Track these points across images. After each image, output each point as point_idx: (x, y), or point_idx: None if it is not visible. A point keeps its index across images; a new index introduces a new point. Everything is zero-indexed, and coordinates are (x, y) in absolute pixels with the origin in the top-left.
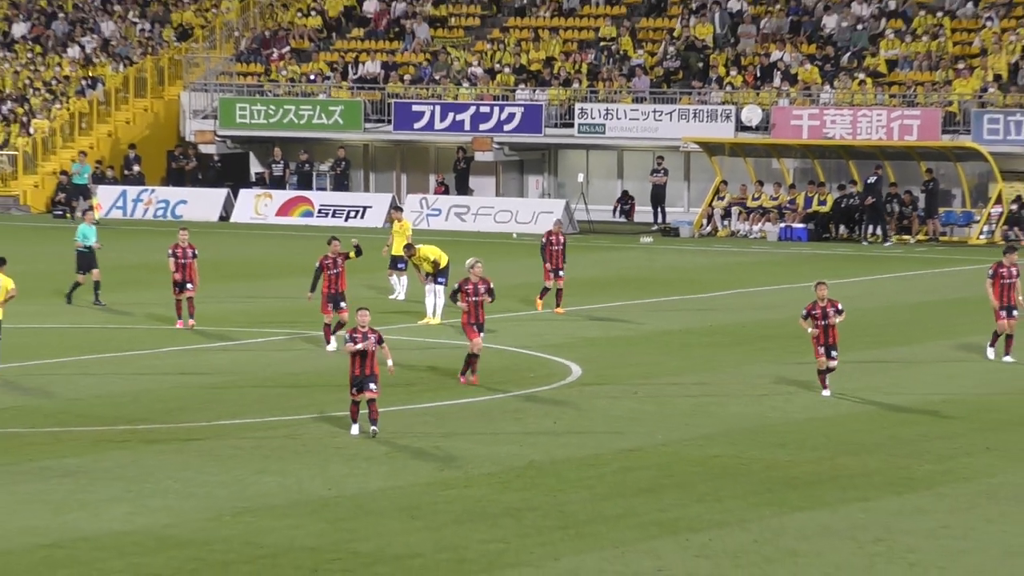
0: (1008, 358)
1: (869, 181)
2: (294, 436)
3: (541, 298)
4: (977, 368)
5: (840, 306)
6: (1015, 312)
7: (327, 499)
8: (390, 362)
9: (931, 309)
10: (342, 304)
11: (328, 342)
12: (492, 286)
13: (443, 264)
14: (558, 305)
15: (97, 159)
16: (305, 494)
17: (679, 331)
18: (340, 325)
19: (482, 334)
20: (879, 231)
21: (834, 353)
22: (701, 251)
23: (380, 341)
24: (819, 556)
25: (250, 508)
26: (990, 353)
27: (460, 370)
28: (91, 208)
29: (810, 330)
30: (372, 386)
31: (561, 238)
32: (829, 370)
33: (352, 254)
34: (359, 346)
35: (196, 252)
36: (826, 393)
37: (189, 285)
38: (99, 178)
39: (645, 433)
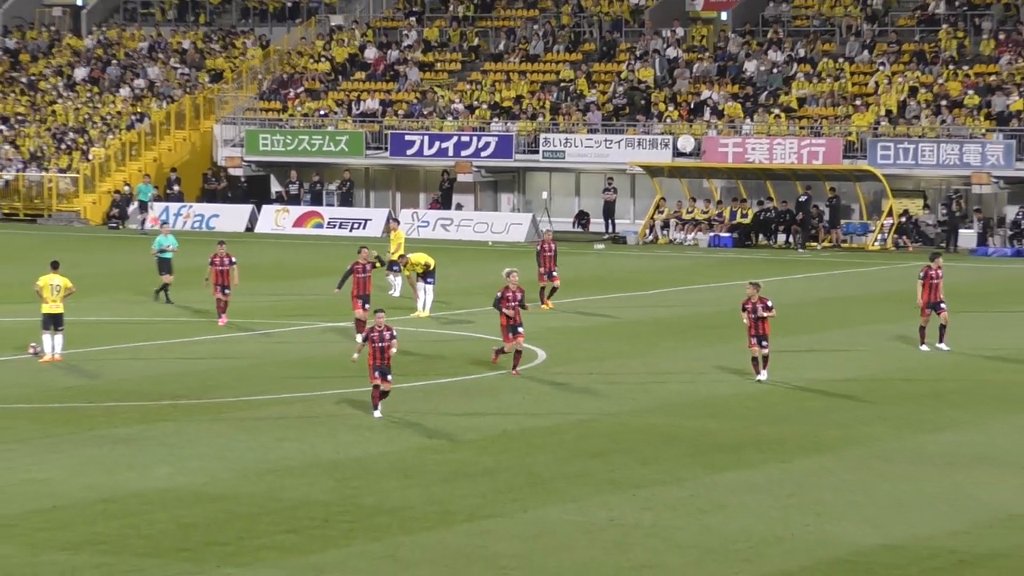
0: (942, 345)
1: (801, 199)
2: (309, 409)
3: (542, 300)
4: (872, 352)
5: (770, 303)
6: (943, 305)
7: (336, 461)
8: (394, 350)
9: (834, 304)
10: (366, 305)
11: (359, 332)
12: (524, 294)
13: (431, 267)
14: (549, 298)
15: (147, 176)
16: (318, 457)
17: (627, 322)
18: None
19: (522, 331)
20: (794, 239)
21: (764, 343)
22: (645, 256)
23: (393, 336)
24: (743, 507)
25: (272, 469)
26: (924, 348)
27: (494, 356)
28: (165, 222)
29: (745, 321)
30: (389, 377)
31: (552, 245)
32: (764, 358)
33: (376, 264)
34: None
35: (233, 260)
36: (761, 377)
37: (227, 289)
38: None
39: (598, 407)
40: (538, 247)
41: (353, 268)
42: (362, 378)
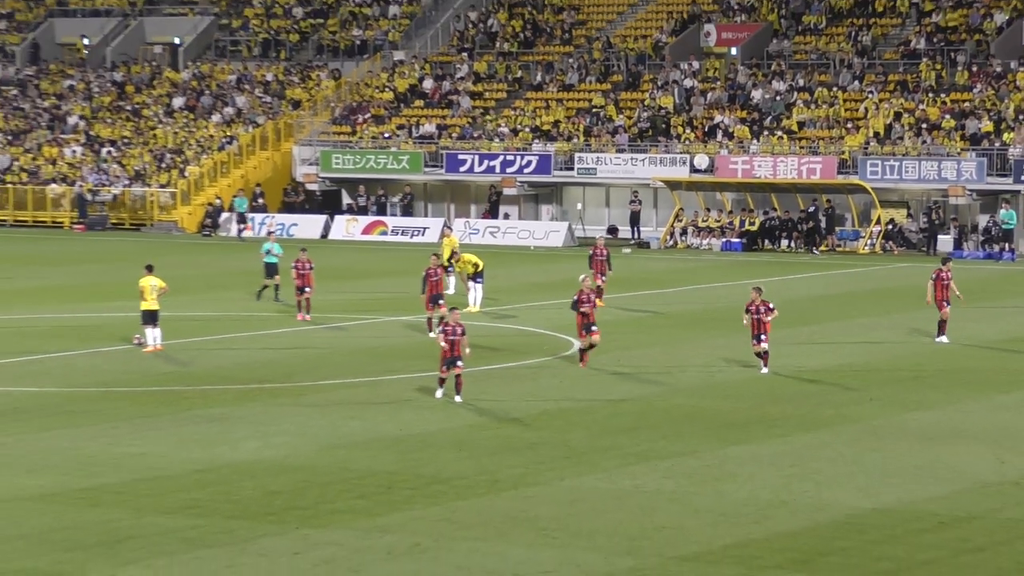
0: (943, 339)
1: (810, 210)
2: (375, 392)
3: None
4: (862, 342)
5: (771, 305)
6: (947, 305)
7: (398, 437)
8: (467, 350)
9: (829, 300)
10: (440, 302)
11: (431, 330)
12: (598, 293)
13: (480, 268)
14: (599, 299)
15: (234, 193)
16: (382, 433)
17: (651, 315)
18: (441, 318)
19: (596, 329)
20: (805, 243)
21: (763, 338)
22: (666, 259)
23: (463, 332)
24: (751, 476)
25: (342, 444)
26: (943, 340)
27: (579, 358)
28: (272, 231)
29: (744, 322)
30: (459, 363)
31: (605, 250)
32: (765, 353)
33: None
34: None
35: (312, 265)
36: (764, 371)
37: (307, 289)
38: (232, 207)
39: (626, 390)
40: (591, 252)
41: (427, 273)
42: (418, 365)
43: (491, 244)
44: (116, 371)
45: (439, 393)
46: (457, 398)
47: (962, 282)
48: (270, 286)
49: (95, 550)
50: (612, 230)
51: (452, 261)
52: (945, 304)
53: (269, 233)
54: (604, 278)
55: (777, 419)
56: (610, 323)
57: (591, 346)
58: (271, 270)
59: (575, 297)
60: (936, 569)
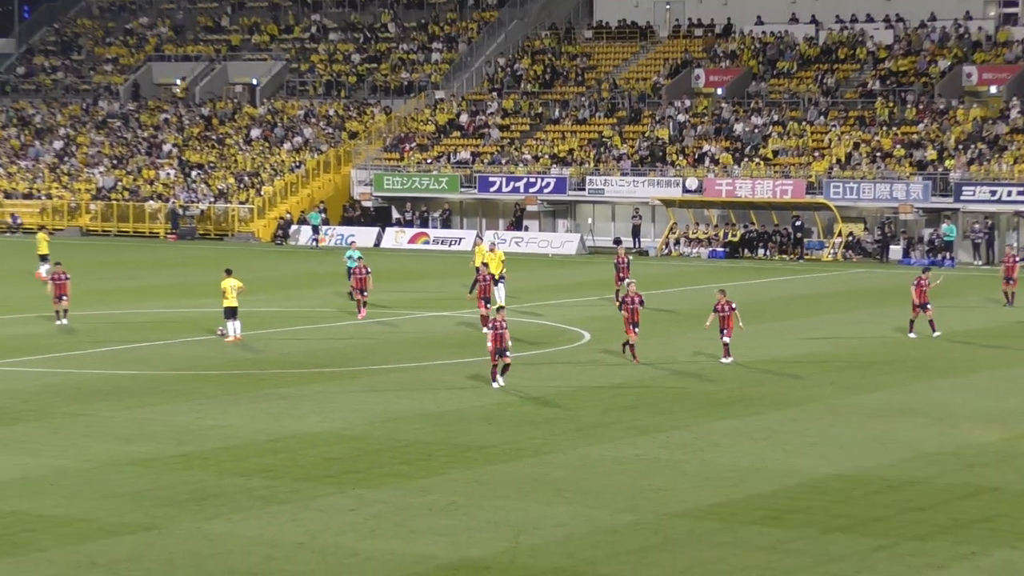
0: (937, 333)
1: (796, 224)
2: (418, 375)
3: (618, 300)
4: (825, 335)
5: (734, 304)
6: (929, 306)
7: (437, 412)
8: (509, 343)
9: (798, 300)
10: (489, 303)
11: (485, 327)
12: (643, 297)
13: (503, 272)
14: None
15: (302, 209)
16: (423, 410)
17: (649, 311)
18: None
19: (637, 329)
20: (787, 252)
21: (725, 332)
22: (662, 264)
23: (506, 327)
24: (731, 447)
25: (390, 418)
26: (912, 335)
27: (632, 355)
28: (353, 242)
29: (708, 322)
30: (508, 354)
31: (627, 258)
32: (726, 344)
33: (497, 276)
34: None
35: (369, 270)
36: (726, 360)
37: (365, 292)
38: (303, 220)
39: (628, 374)
40: (615, 259)
41: (478, 277)
42: (454, 353)
43: (515, 252)
44: (202, 357)
45: (495, 384)
46: (501, 381)
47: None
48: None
49: (184, 506)
50: (617, 241)
51: (488, 249)
52: (928, 308)
53: (351, 243)
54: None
55: (754, 399)
56: (615, 318)
57: (631, 344)
58: (350, 274)
59: (621, 299)
60: (885, 525)
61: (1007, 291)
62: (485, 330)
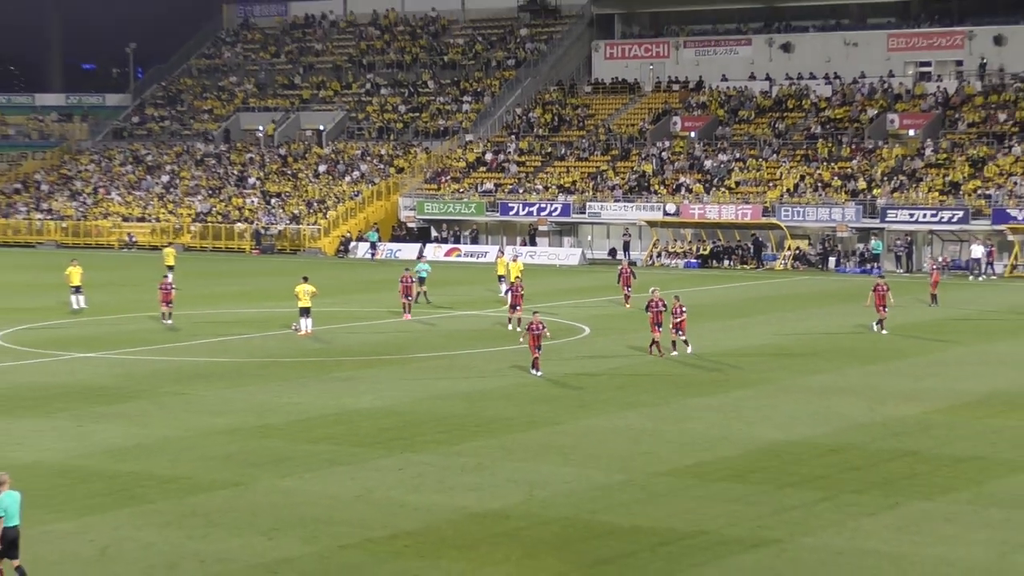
0: (884, 331)
1: (758, 240)
2: (451, 362)
3: (628, 301)
4: (777, 330)
5: (684, 308)
6: (885, 308)
7: (468, 392)
8: (547, 334)
9: (755, 302)
10: (517, 308)
11: (509, 324)
12: (666, 303)
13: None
14: (627, 302)
15: (360, 229)
16: (457, 389)
17: (637, 310)
18: (519, 319)
19: (660, 328)
20: (750, 262)
21: (682, 332)
22: (647, 273)
23: (544, 327)
24: (703, 419)
25: (430, 396)
26: (875, 328)
27: (658, 351)
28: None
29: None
30: (539, 349)
31: (629, 268)
32: (655, 342)
33: (522, 289)
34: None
35: (413, 279)
36: (689, 350)
37: (410, 297)
38: (361, 238)
39: (621, 361)
40: (619, 270)
41: (512, 287)
42: (481, 344)
43: (529, 263)
44: (279, 348)
45: (539, 373)
46: (534, 371)
47: (842, 289)
48: (423, 291)
49: (264, 467)
50: (612, 252)
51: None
52: (882, 308)
53: (421, 256)
54: (629, 289)
55: (721, 381)
56: (609, 316)
57: (656, 342)
58: (422, 282)
59: (647, 303)
60: (827, 481)
61: (933, 294)
62: (510, 327)
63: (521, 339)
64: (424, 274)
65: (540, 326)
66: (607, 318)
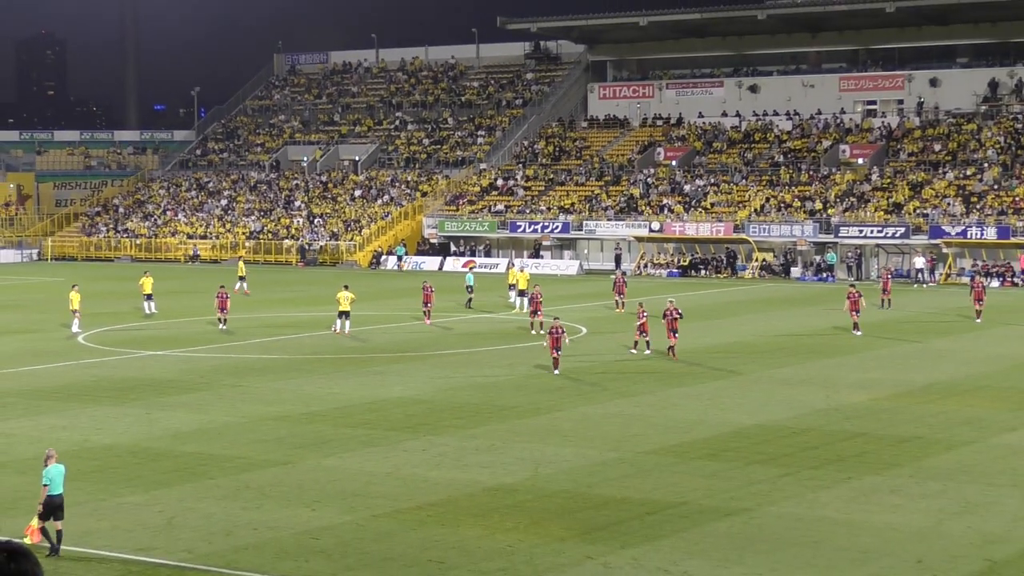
0: (858, 332)
1: (732, 253)
2: (469, 358)
3: (617, 306)
4: (746, 330)
5: (680, 311)
6: (858, 312)
7: (482, 383)
8: (567, 340)
9: (727, 306)
10: (538, 313)
11: (532, 329)
12: (681, 312)
13: (525, 286)
14: (620, 307)
15: (389, 244)
16: (473, 381)
17: (628, 314)
18: (541, 324)
19: (676, 335)
20: (726, 272)
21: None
22: (636, 282)
23: (563, 331)
24: (684, 406)
25: (450, 387)
26: (858, 333)
27: (672, 355)
28: (512, 263)
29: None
30: (559, 352)
31: (624, 277)
32: (636, 345)
33: (541, 297)
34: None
35: (433, 288)
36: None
37: (429, 304)
38: (390, 252)
39: (612, 356)
40: (613, 279)
41: (533, 296)
42: (494, 342)
43: (535, 273)
44: (322, 346)
45: (556, 372)
46: (556, 372)
47: (802, 294)
48: (470, 298)
49: (309, 448)
50: (618, 259)
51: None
52: (855, 313)
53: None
54: (622, 297)
55: (699, 373)
56: (604, 319)
57: (672, 347)
58: (469, 291)
59: (663, 312)
60: (789, 459)
61: (884, 298)
62: (534, 332)
63: (544, 343)
64: (470, 281)
65: (560, 330)
66: (602, 320)
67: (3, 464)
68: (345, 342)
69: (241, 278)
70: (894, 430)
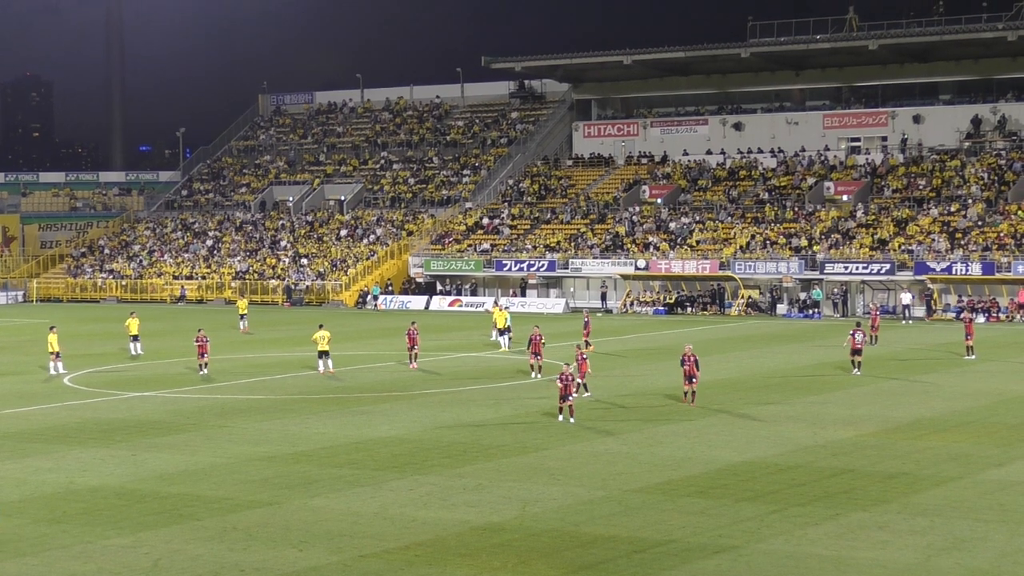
0: (857, 372)
1: (719, 290)
2: (456, 397)
3: (588, 346)
4: (735, 366)
5: (697, 358)
6: (861, 351)
7: (469, 422)
8: (575, 393)
9: (715, 342)
10: (539, 354)
11: (531, 371)
12: (698, 359)
13: (507, 325)
14: (588, 346)
15: (377, 282)
16: (460, 420)
17: (616, 350)
18: (541, 367)
19: (695, 380)
20: (714, 308)
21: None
22: (622, 319)
23: (572, 379)
24: (671, 443)
25: (437, 426)
26: (857, 372)
27: (691, 400)
28: (496, 303)
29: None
30: (571, 398)
31: (588, 317)
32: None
33: (543, 340)
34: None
35: (418, 331)
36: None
37: (415, 347)
38: (378, 293)
39: (601, 392)
40: (584, 318)
41: (532, 337)
42: (481, 381)
43: (520, 311)
44: (308, 386)
45: (560, 418)
46: (571, 420)
47: (788, 332)
48: (510, 337)
49: (296, 488)
50: (603, 296)
51: (497, 306)
52: (860, 351)
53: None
54: (587, 334)
55: (685, 411)
56: (591, 355)
57: (693, 392)
58: (509, 331)
59: (681, 356)
60: (777, 496)
61: (872, 334)
62: (534, 375)
63: (557, 380)
64: (508, 322)
65: (569, 378)
66: (591, 356)
67: None
68: (330, 382)
69: (242, 316)
70: (881, 466)
